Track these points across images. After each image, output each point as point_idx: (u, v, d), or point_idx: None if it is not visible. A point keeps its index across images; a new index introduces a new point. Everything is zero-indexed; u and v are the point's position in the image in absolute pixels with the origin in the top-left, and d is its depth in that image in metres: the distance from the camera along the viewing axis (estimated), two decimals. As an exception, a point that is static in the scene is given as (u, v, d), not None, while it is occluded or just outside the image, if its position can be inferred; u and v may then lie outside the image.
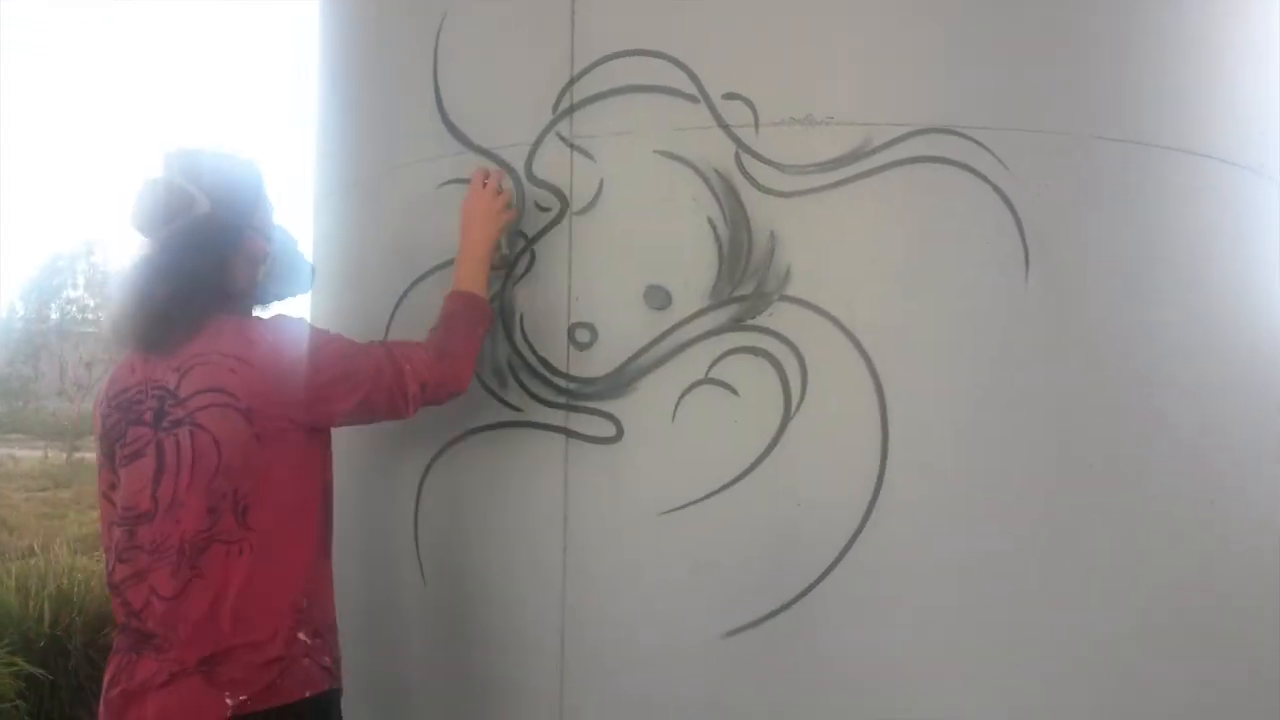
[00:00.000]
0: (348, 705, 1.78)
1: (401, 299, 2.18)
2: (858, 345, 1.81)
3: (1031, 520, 1.83)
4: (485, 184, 1.93)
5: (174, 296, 1.69)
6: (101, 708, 1.71)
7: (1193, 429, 1.96)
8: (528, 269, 2.00)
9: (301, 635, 1.71)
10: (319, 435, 1.79)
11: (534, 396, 1.97)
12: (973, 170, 1.84)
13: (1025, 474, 1.83)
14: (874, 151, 1.83)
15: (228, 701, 1.63)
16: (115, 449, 1.76)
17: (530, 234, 2.00)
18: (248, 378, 1.66)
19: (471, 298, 1.89)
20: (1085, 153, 1.91)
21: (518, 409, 1.99)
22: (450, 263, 2.01)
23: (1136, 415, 1.90)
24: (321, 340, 1.76)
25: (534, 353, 1.97)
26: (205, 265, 1.72)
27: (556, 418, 1.94)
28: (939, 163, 1.83)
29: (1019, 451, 1.84)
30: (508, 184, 1.99)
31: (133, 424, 1.72)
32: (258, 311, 1.86)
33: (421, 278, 2.15)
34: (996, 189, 1.84)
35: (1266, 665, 2.03)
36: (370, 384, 1.74)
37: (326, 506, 1.81)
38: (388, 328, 2.18)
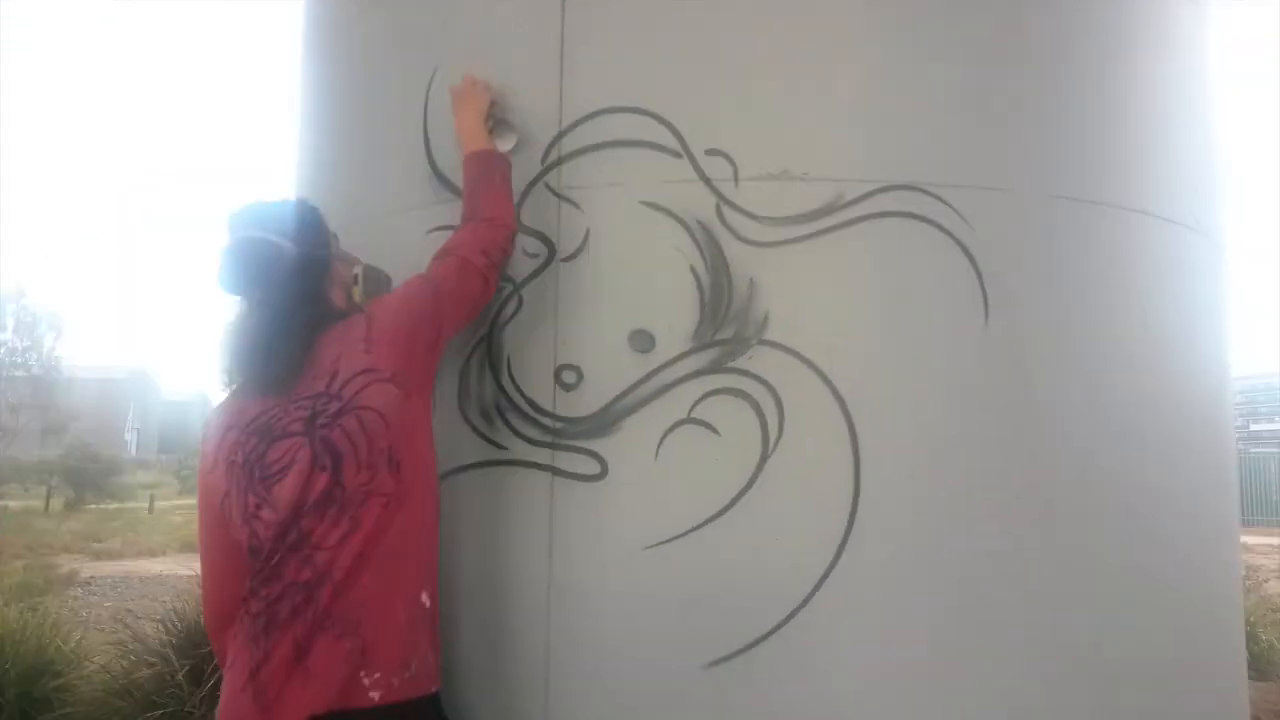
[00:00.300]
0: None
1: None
2: (831, 387, 1.91)
3: (994, 550, 1.93)
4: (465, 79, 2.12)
5: (298, 333, 1.83)
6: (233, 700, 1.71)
7: (1132, 465, 2.09)
8: (515, 313, 2.08)
9: (424, 598, 1.78)
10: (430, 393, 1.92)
11: (520, 435, 2.04)
12: (937, 225, 1.97)
13: (987, 506, 1.94)
14: (846, 206, 1.95)
15: (372, 696, 1.66)
16: (255, 471, 1.79)
17: (518, 279, 2.08)
18: (378, 350, 1.82)
19: (479, 154, 2.05)
20: (1040, 209, 2.05)
21: (504, 448, 2.05)
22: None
23: (1081, 451, 2.03)
24: (405, 291, 1.93)
25: (521, 393, 2.05)
26: (314, 298, 1.90)
27: (543, 456, 2.01)
28: (906, 217, 1.96)
29: (981, 486, 1.95)
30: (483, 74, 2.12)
31: (274, 441, 1.79)
32: None
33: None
34: (958, 242, 1.97)
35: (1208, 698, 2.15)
36: (455, 290, 1.92)
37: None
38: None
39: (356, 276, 2.00)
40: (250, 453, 1.79)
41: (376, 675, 1.67)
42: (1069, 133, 2.11)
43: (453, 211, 2.14)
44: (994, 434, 1.96)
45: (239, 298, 1.88)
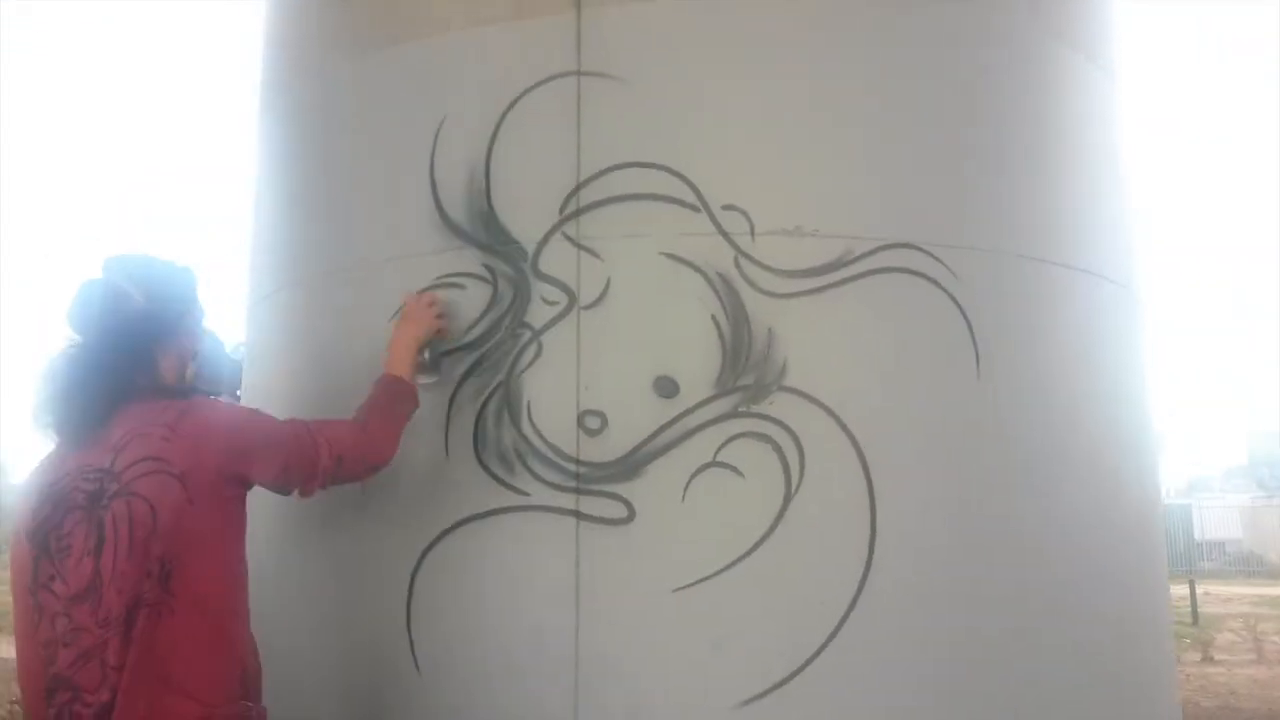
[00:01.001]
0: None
1: (390, 387, 2.21)
2: (846, 430, 2.03)
3: (999, 579, 2.09)
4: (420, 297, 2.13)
5: (106, 389, 1.77)
6: None
7: (1086, 503, 2.30)
8: (534, 359, 2.10)
9: (250, 703, 1.76)
10: (241, 504, 1.84)
11: (543, 481, 2.06)
12: (932, 280, 2.14)
13: (988, 536, 2.10)
14: (853, 261, 2.10)
15: None
16: (50, 541, 1.74)
17: (536, 326, 2.11)
18: (179, 444, 1.73)
19: (395, 379, 2.04)
20: (1009, 267, 2.26)
21: (526, 493, 2.06)
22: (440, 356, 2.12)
23: (1044, 493, 2.22)
24: (245, 411, 1.91)
25: (543, 439, 2.07)
26: (137, 359, 1.82)
27: (567, 501, 2.04)
28: (906, 272, 2.12)
29: (982, 518, 2.11)
30: (444, 299, 2.15)
31: (68, 511, 1.73)
32: None
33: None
34: (950, 296, 2.14)
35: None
36: (288, 450, 1.84)
37: (245, 574, 1.86)
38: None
39: (195, 353, 1.95)
40: (45, 520, 1.75)
41: None
42: (1028, 200, 2.34)
43: (459, 259, 2.17)
44: (987, 470, 2.13)
45: (76, 335, 1.82)
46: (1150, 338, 2.77)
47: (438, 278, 2.20)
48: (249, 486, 1.85)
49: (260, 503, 1.92)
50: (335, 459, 1.87)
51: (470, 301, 2.17)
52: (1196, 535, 26.59)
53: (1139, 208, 2.77)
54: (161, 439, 1.72)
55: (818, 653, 1.95)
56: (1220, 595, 18.44)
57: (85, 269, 1.92)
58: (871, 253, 2.10)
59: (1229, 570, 24.89)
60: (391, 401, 2.02)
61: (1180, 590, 13.95)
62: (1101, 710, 2.21)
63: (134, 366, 1.80)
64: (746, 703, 1.93)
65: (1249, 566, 25.21)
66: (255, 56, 3.01)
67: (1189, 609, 14.56)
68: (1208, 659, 11.15)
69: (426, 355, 2.12)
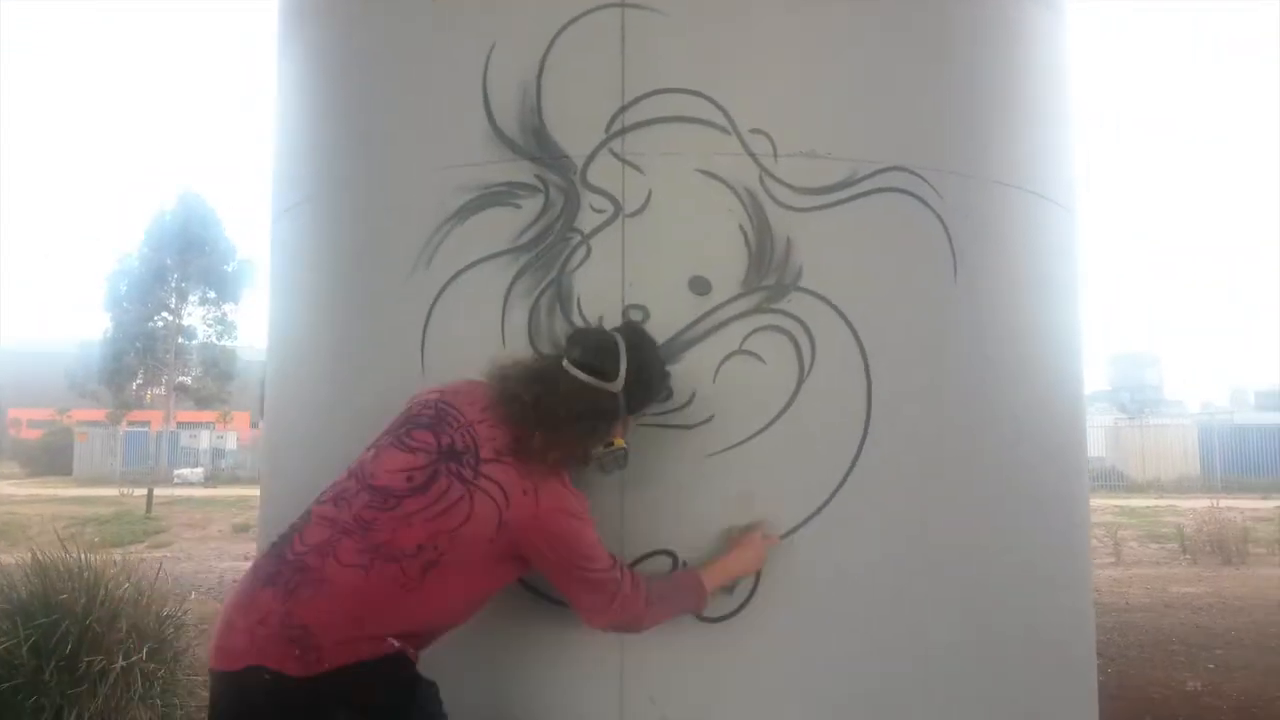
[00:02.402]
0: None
1: (445, 287, 2.49)
2: (848, 323, 2.41)
3: (965, 445, 2.52)
4: (765, 537, 2.30)
5: (556, 425, 2.02)
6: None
7: (1030, 389, 2.74)
8: (584, 260, 2.41)
9: (393, 641, 1.96)
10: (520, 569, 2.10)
11: (592, 365, 2.37)
12: (920, 198, 2.51)
13: (957, 412, 2.53)
14: (858, 181, 2.45)
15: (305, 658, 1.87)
16: (402, 433, 2.09)
17: (586, 230, 2.41)
18: (524, 507, 2.00)
19: (702, 589, 2.20)
20: (982, 189, 2.65)
21: (576, 376, 2.38)
22: (493, 256, 2.41)
23: (1002, 376, 2.65)
24: (590, 544, 2.06)
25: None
26: (569, 430, 2.04)
27: (614, 382, 2.36)
28: (898, 191, 2.49)
29: (954, 399, 2.53)
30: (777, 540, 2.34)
31: (426, 428, 2.08)
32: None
33: (464, 270, 2.48)
34: (935, 212, 2.52)
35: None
36: (591, 594, 2.07)
37: (472, 608, 2.11)
38: (430, 311, 2.49)
39: (611, 448, 2.12)
40: (414, 418, 2.12)
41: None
42: (999, 133, 2.73)
43: (513, 169, 2.44)
44: (961, 361, 2.55)
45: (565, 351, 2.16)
46: (1083, 253, 3.22)
47: (490, 185, 2.47)
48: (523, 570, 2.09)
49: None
50: (612, 625, 2.12)
51: (524, 207, 2.45)
52: (1066, 453, 28.31)
53: (1081, 140, 3.20)
54: (521, 490, 2.00)
55: (825, 503, 2.35)
56: (1087, 507, 19.93)
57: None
58: (872, 174, 2.46)
59: (1093, 485, 26.66)
60: (684, 603, 2.20)
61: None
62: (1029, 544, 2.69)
63: (570, 425, 2.03)
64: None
65: (1110, 481, 27.11)
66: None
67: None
68: (1077, 561, 12.24)
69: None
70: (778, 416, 2.36)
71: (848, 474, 2.37)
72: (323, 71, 2.89)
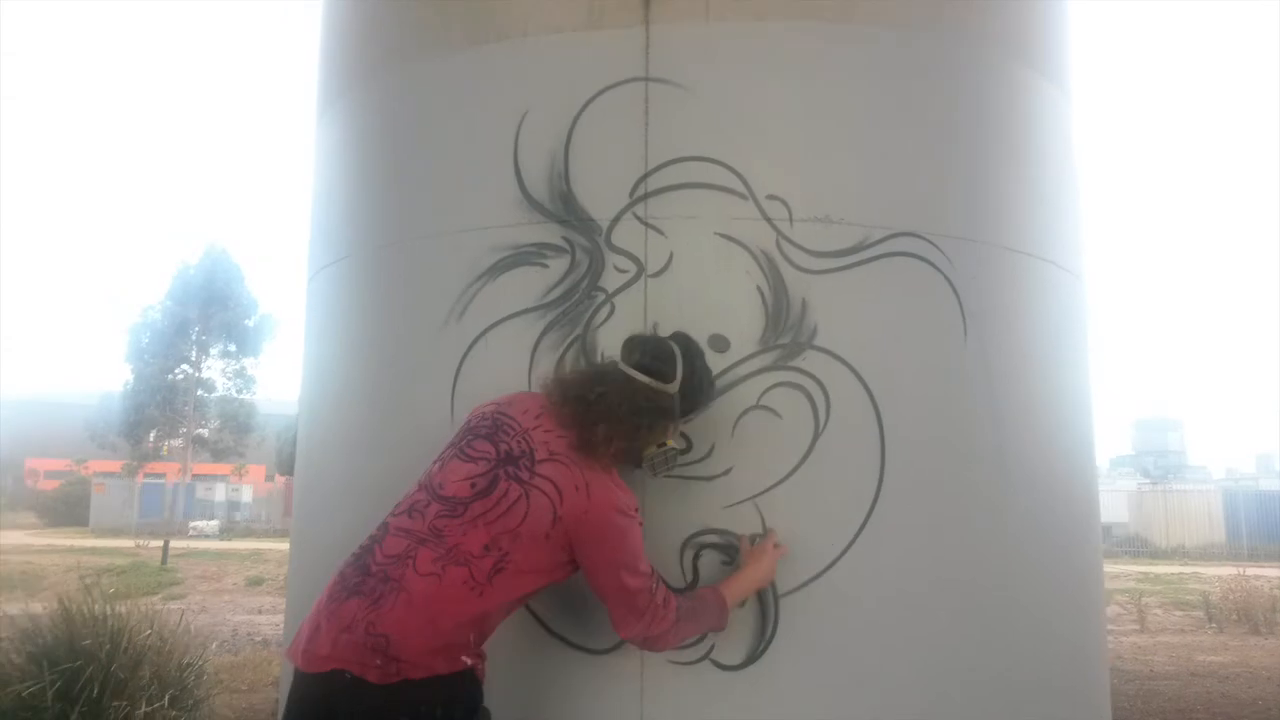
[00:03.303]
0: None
1: (475, 341, 2.61)
2: (861, 380, 2.51)
3: (981, 498, 2.59)
4: (776, 547, 2.40)
5: (612, 422, 2.15)
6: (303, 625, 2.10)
7: (1038, 448, 2.81)
8: (608, 318, 2.52)
9: (465, 658, 2.08)
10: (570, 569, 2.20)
11: (615, 418, 2.47)
12: (929, 262, 2.62)
13: (971, 467, 2.61)
14: (870, 245, 2.57)
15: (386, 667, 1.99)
16: (463, 444, 2.23)
17: (610, 290, 2.53)
18: (576, 501, 2.12)
19: (725, 606, 2.30)
20: (990, 254, 2.76)
21: (599, 428, 2.48)
22: (522, 313, 2.53)
23: (1012, 434, 2.73)
24: (636, 550, 2.17)
25: (615, 383, 2.49)
26: (643, 422, 2.18)
27: (636, 435, 2.46)
28: (909, 256, 2.60)
29: (966, 455, 2.61)
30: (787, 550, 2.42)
31: (484, 438, 2.22)
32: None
33: (495, 324, 2.60)
34: (945, 275, 2.63)
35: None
36: (628, 603, 2.15)
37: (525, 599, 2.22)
38: (460, 363, 2.60)
39: (663, 449, 2.25)
40: (474, 429, 2.26)
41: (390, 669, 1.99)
42: (1007, 202, 2.84)
43: (542, 231, 2.57)
44: (973, 419, 2.63)
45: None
46: (1093, 319, 3.32)
47: (520, 246, 2.60)
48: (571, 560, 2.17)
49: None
50: (643, 638, 2.18)
51: (552, 267, 2.57)
52: (1087, 518, 28.03)
53: (1088, 211, 3.31)
54: (574, 487, 2.13)
55: (841, 554, 2.43)
56: (1109, 573, 19.69)
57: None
58: (884, 239, 2.58)
59: (1116, 551, 26.41)
60: (708, 622, 2.28)
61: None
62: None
63: (625, 425, 2.16)
64: (789, 592, 2.41)
65: (1134, 547, 26.79)
66: (316, 57, 3.36)
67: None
68: (1097, 627, 12.11)
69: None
70: (795, 469, 2.45)
71: (863, 525, 2.45)
72: (361, 137, 3.04)
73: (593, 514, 2.12)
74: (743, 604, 2.38)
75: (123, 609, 5.32)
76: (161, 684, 4.89)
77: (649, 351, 2.25)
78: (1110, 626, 12.41)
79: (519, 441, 2.19)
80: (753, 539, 2.42)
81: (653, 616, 2.15)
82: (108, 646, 4.96)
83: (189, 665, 5.32)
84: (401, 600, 2.02)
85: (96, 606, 5.19)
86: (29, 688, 4.62)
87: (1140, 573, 20.00)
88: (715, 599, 2.29)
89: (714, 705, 2.37)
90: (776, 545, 2.39)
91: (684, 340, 2.31)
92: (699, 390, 2.28)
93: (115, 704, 4.70)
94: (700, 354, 2.32)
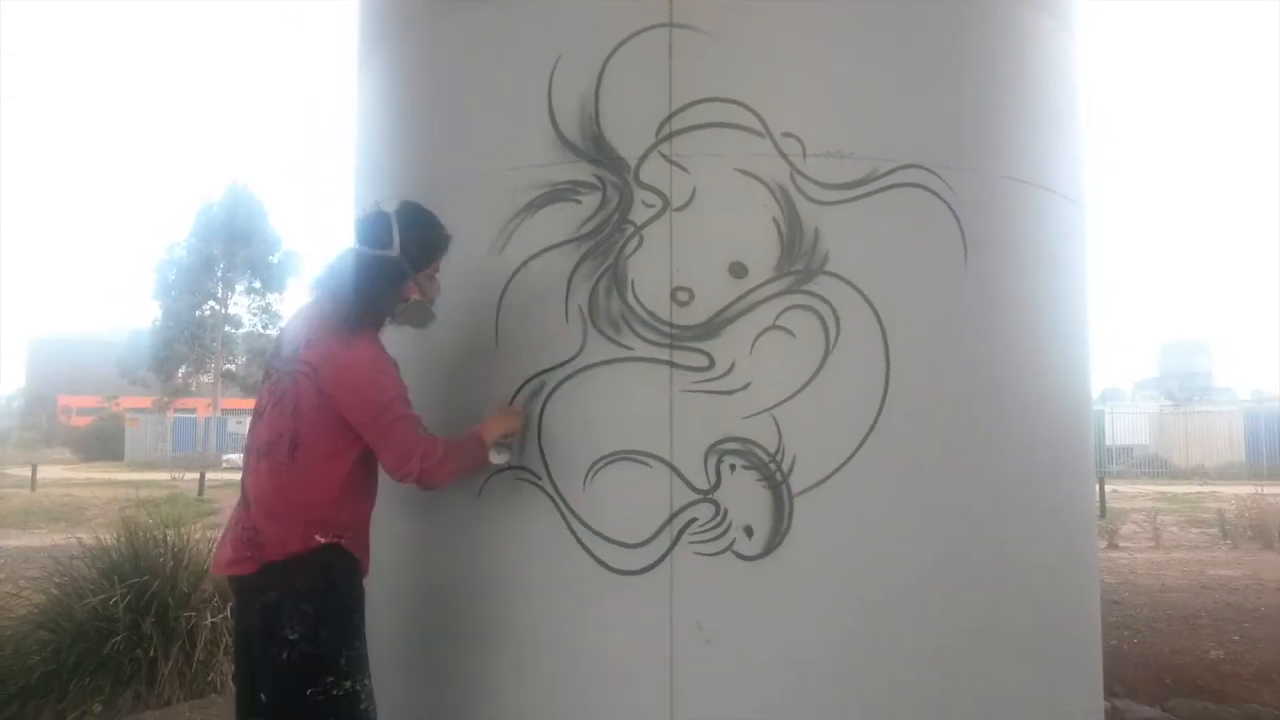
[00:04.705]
0: None
1: (516, 271, 2.86)
2: (869, 303, 2.74)
3: (975, 414, 2.84)
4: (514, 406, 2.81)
5: (345, 295, 2.59)
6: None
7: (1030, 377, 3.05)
8: (636, 249, 2.76)
9: (318, 536, 2.56)
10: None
11: (644, 339, 2.73)
12: (933, 192, 2.83)
13: (967, 384, 2.85)
14: (878, 177, 2.78)
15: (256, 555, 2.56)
16: (264, 374, 2.77)
17: (638, 222, 2.76)
18: (330, 369, 2.55)
19: (479, 441, 2.70)
20: (990, 183, 2.96)
21: (630, 348, 2.74)
22: (558, 245, 2.78)
23: (1010, 355, 2.97)
24: (391, 396, 2.56)
25: (643, 308, 2.74)
26: (370, 287, 2.61)
27: (663, 354, 2.72)
28: (914, 186, 2.81)
29: (960, 377, 2.85)
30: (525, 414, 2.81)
31: (274, 358, 2.75)
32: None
33: (533, 256, 2.84)
34: (947, 204, 2.84)
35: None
36: (396, 446, 2.55)
37: (364, 461, 2.64)
38: (503, 292, 2.86)
39: (409, 300, 2.69)
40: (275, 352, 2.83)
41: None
42: (1008, 132, 3.04)
43: (574, 170, 2.80)
44: (969, 338, 2.87)
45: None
46: (1092, 245, 3.52)
47: (555, 184, 2.83)
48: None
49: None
50: (420, 471, 2.55)
51: (584, 203, 2.81)
52: (1107, 440, 28.38)
53: (1089, 140, 3.49)
54: (329, 357, 2.56)
55: (847, 460, 2.69)
56: (1127, 493, 20.03)
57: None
58: (891, 171, 2.79)
59: (1135, 471, 26.66)
60: (471, 452, 2.68)
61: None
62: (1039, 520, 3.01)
63: (366, 290, 2.60)
64: (802, 492, 2.68)
65: (1153, 468, 27.01)
66: (352, 12, 3.57)
67: (1099, 504, 15.94)
68: (1113, 546, 12.42)
69: (509, 442, 2.77)
70: (807, 383, 2.70)
71: (868, 435, 2.71)
72: (402, 85, 3.26)
73: (343, 373, 2.52)
74: (506, 451, 2.76)
75: (184, 531, 5.69)
76: (223, 597, 5.24)
77: (366, 226, 2.64)
78: (1125, 544, 12.72)
79: (289, 346, 2.66)
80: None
81: (424, 451, 2.54)
82: (171, 564, 5.33)
83: (244, 580, 5.68)
84: (253, 499, 2.60)
85: (157, 532, 5.56)
86: (101, 599, 5.00)
87: (1158, 492, 20.26)
88: (473, 436, 2.70)
89: (736, 591, 2.66)
90: (513, 407, 2.80)
91: (405, 208, 2.69)
92: (422, 246, 2.67)
93: (184, 614, 5.07)
94: (421, 217, 2.69)
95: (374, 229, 2.62)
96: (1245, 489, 16.48)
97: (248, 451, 2.67)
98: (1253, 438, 28.00)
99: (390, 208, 2.69)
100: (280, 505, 2.55)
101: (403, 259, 2.62)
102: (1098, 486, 16.08)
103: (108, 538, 5.56)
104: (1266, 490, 14.81)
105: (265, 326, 40.60)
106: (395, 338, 2.74)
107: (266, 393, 2.67)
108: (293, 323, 2.79)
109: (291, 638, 2.48)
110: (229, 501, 19.00)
